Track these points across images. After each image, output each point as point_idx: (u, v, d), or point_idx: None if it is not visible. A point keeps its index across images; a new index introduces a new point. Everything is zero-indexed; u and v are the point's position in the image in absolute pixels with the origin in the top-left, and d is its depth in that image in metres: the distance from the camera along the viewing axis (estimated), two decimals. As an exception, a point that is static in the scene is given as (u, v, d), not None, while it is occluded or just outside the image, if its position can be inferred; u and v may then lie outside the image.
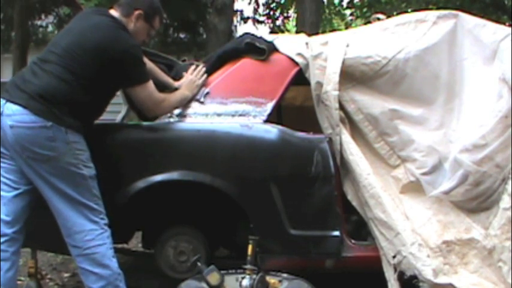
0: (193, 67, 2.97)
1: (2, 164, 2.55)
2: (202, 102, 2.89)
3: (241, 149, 2.80)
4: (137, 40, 2.73)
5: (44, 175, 2.47)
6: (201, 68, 2.96)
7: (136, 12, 2.73)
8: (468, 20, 2.95)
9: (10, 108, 2.46)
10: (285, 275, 2.69)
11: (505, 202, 2.66)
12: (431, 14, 2.99)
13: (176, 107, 2.84)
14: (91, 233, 2.50)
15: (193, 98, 2.89)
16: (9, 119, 2.45)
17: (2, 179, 2.56)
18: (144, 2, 2.75)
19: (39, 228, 2.66)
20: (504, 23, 5.54)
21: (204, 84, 2.93)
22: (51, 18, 10.40)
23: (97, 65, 2.52)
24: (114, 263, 2.55)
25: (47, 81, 2.49)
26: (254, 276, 2.61)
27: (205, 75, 2.95)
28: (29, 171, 2.48)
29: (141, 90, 2.66)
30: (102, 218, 2.54)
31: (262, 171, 2.78)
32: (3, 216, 2.55)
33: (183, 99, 2.87)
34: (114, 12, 2.72)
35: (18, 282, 3.61)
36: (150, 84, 2.70)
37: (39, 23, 10.48)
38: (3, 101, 2.50)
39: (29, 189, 2.54)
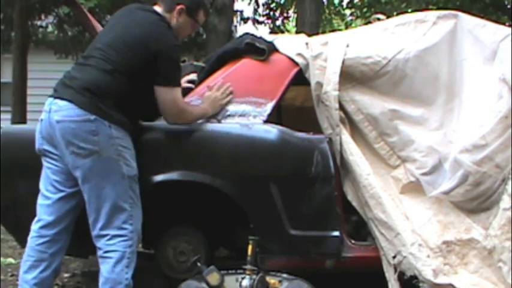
0: (220, 83, 2.88)
1: (48, 165, 2.56)
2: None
3: (241, 149, 2.80)
4: (182, 35, 2.72)
5: (85, 172, 2.46)
6: (228, 87, 2.87)
7: (178, 7, 2.70)
8: (468, 20, 2.95)
9: (58, 104, 2.48)
10: (285, 275, 2.69)
11: (505, 202, 2.66)
12: (431, 14, 2.99)
13: (195, 121, 2.78)
14: (114, 238, 2.48)
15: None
16: (56, 114, 2.47)
17: (48, 180, 2.57)
18: None
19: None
20: (504, 23, 5.55)
21: (227, 104, 2.86)
22: (51, 18, 10.38)
23: (138, 60, 2.52)
24: (124, 272, 2.49)
25: (92, 75, 2.50)
26: (254, 276, 2.61)
27: (231, 96, 2.87)
28: (73, 168, 2.47)
29: (167, 92, 2.61)
30: (131, 224, 2.51)
31: (262, 172, 2.78)
32: (45, 217, 2.56)
33: (204, 115, 2.81)
34: (157, 8, 2.71)
35: (18, 282, 3.63)
36: (178, 90, 2.66)
37: (39, 23, 10.45)
38: (50, 99, 2.52)
39: (74, 192, 2.53)
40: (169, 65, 2.59)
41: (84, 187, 2.49)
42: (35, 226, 2.59)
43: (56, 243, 2.58)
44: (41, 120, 2.54)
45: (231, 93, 2.87)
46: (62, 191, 2.56)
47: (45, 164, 2.59)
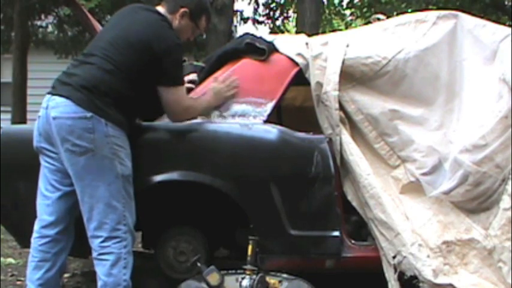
0: (226, 75, 2.87)
1: (46, 164, 2.56)
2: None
3: (241, 149, 2.80)
4: (181, 38, 2.72)
5: (79, 171, 2.45)
6: (234, 80, 2.86)
7: (182, 10, 2.71)
8: (468, 21, 2.95)
9: (55, 100, 2.48)
10: (285, 275, 2.69)
11: (505, 202, 2.66)
12: (431, 15, 2.99)
13: (200, 115, 2.79)
14: (108, 240, 2.47)
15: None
16: (53, 110, 2.46)
17: (46, 179, 2.57)
18: (191, 0, 2.74)
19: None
20: (504, 23, 5.56)
21: (231, 98, 2.85)
22: (51, 19, 10.40)
23: (139, 59, 2.52)
24: (122, 274, 2.48)
25: (90, 72, 2.50)
26: (254, 276, 2.61)
27: (236, 89, 2.87)
28: (68, 166, 2.47)
29: (172, 92, 2.62)
30: (124, 224, 2.49)
31: (262, 172, 2.78)
32: (46, 217, 2.56)
33: (208, 108, 2.81)
34: (160, 9, 2.72)
35: (18, 282, 3.64)
36: (182, 88, 2.67)
37: (39, 23, 10.46)
38: (48, 96, 2.52)
39: (72, 190, 2.52)
40: (172, 65, 2.59)
41: (77, 185, 2.48)
42: (36, 226, 2.59)
43: (58, 243, 2.58)
44: (39, 117, 2.54)
45: (236, 86, 2.86)
46: (60, 189, 2.55)
47: (42, 162, 2.58)
